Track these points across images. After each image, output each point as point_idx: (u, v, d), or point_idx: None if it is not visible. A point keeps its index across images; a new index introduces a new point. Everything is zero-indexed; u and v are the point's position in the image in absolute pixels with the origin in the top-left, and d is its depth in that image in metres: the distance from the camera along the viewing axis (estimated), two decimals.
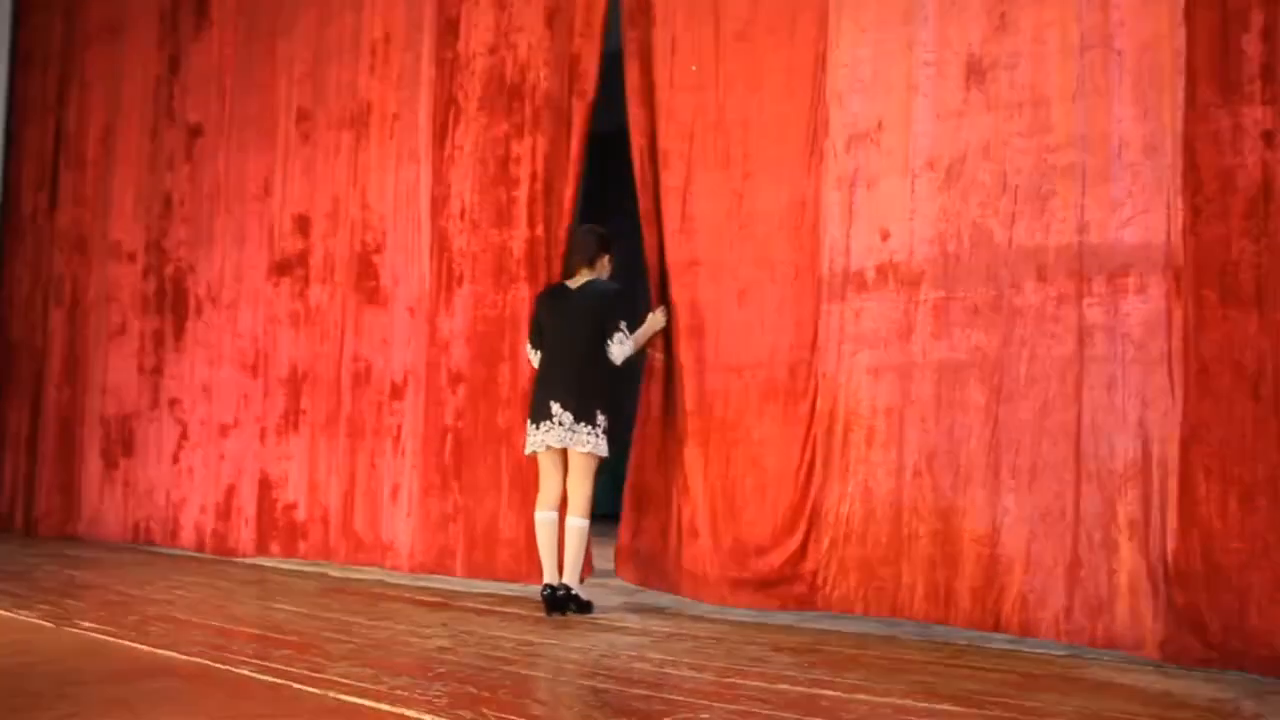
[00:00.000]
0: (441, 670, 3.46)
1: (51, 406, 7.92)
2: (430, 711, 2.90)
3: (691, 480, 4.92)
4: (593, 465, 4.78)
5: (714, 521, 4.83)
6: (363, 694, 3.11)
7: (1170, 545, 3.70)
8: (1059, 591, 3.90)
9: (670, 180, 5.08)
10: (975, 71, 4.24)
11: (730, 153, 4.93)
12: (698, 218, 5.00)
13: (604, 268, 4.99)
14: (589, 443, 4.73)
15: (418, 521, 5.80)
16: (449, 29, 5.94)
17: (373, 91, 6.25)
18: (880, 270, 4.46)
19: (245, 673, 3.39)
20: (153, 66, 7.61)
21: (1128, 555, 3.79)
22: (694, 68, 5.05)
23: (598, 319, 4.81)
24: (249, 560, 6.60)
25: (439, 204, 5.89)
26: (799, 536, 4.60)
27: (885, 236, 4.45)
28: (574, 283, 4.97)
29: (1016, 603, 3.99)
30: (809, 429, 4.61)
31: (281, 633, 4.15)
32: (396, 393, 5.98)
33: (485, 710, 2.92)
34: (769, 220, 4.80)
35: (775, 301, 4.77)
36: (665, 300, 5.07)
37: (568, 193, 5.38)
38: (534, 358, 5.02)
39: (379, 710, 2.94)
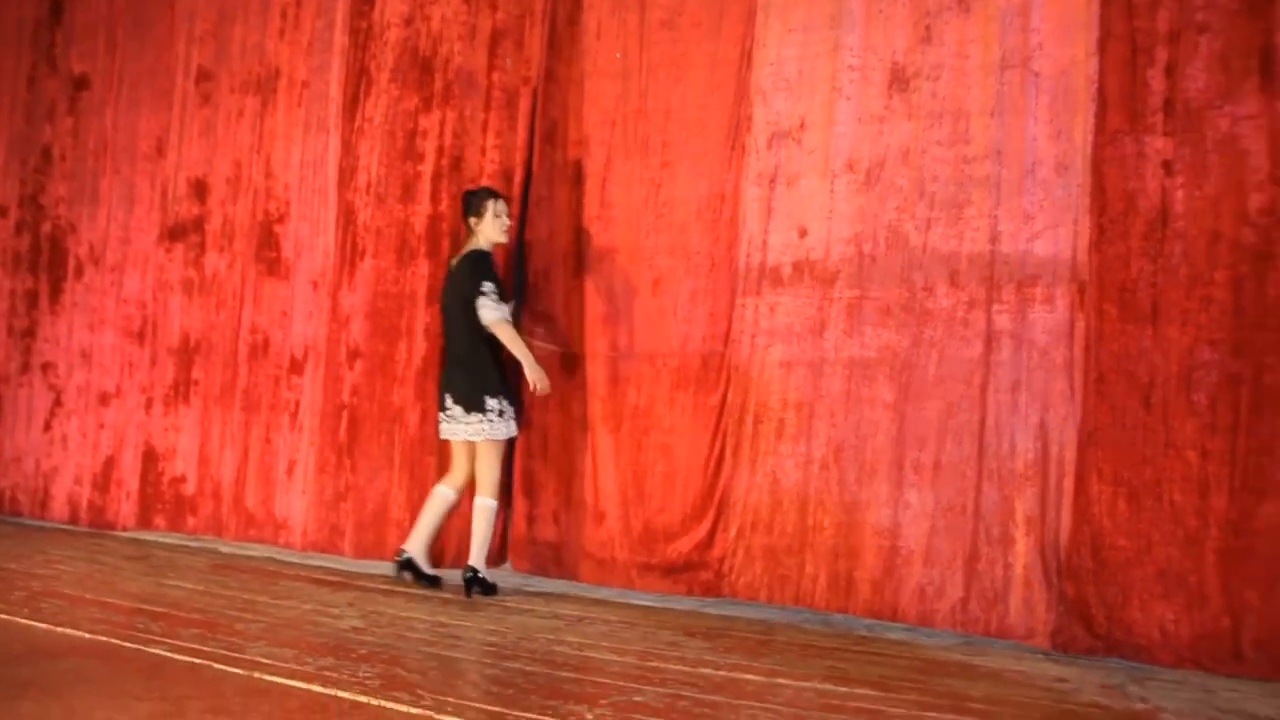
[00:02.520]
0: (363, 651, 3.43)
1: None
2: (365, 694, 2.88)
3: (601, 465, 4.99)
4: (495, 447, 4.78)
5: (624, 506, 4.90)
6: (290, 675, 3.06)
7: (1063, 541, 3.94)
8: (957, 583, 4.11)
9: (591, 166, 5.10)
10: (898, 79, 4.39)
11: (650, 140, 4.99)
12: (615, 204, 5.05)
13: (485, 230, 4.83)
14: (484, 430, 4.73)
15: (312, 499, 5.68)
16: None
17: (281, 56, 6.05)
18: (797, 267, 4.59)
19: (159, 652, 3.30)
20: (30, 8, 7.18)
21: (1023, 550, 4.01)
22: (618, 55, 5.08)
23: (465, 295, 4.74)
24: (127, 534, 6.35)
25: (346, 176, 5.76)
26: (707, 524, 4.71)
27: (803, 234, 4.58)
28: (455, 259, 4.93)
29: (914, 594, 4.18)
30: (719, 419, 4.72)
31: (184, 611, 4.03)
32: (296, 367, 5.83)
33: (421, 693, 2.92)
34: (686, 209, 4.87)
35: (689, 291, 4.85)
36: (579, 286, 5.10)
37: (516, 176, 5.26)
38: None
39: (312, 692, 2.90)
